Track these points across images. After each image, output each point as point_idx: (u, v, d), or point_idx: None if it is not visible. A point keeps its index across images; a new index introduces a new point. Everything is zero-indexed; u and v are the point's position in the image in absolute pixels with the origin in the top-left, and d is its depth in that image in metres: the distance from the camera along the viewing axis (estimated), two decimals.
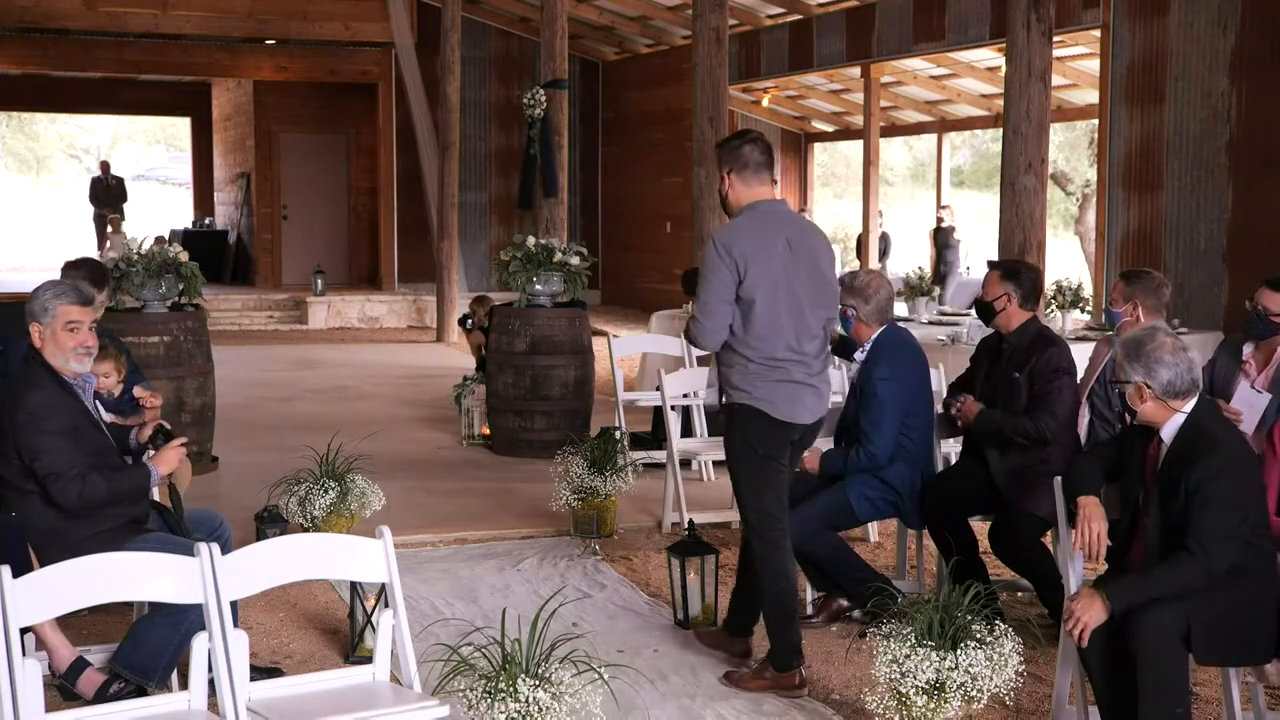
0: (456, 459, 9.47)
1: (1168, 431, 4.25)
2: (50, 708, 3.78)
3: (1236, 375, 5.75)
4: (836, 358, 6.97)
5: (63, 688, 4.63)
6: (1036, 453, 5.61)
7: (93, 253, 21.76)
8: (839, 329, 6.31)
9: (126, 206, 24.50)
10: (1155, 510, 4.26)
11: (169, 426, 5.08)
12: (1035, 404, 5.64)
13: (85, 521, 4.69)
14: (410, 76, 18.16)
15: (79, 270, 6.27)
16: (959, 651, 4.16)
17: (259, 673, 4.50)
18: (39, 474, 4.65)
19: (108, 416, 5.24)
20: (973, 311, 10.85)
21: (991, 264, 6.28)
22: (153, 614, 4.54)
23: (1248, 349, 5.79)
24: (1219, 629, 4.07)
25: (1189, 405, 4.22)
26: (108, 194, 24.18)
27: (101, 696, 4.52)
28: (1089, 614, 4.09)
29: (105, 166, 25.28)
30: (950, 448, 6.53)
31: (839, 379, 7.51)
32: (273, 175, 21.49)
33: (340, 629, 5.73)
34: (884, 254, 18.15)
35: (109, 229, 21.22)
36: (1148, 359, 4.21)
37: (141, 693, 4.48)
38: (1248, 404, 5.63)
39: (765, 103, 19.24)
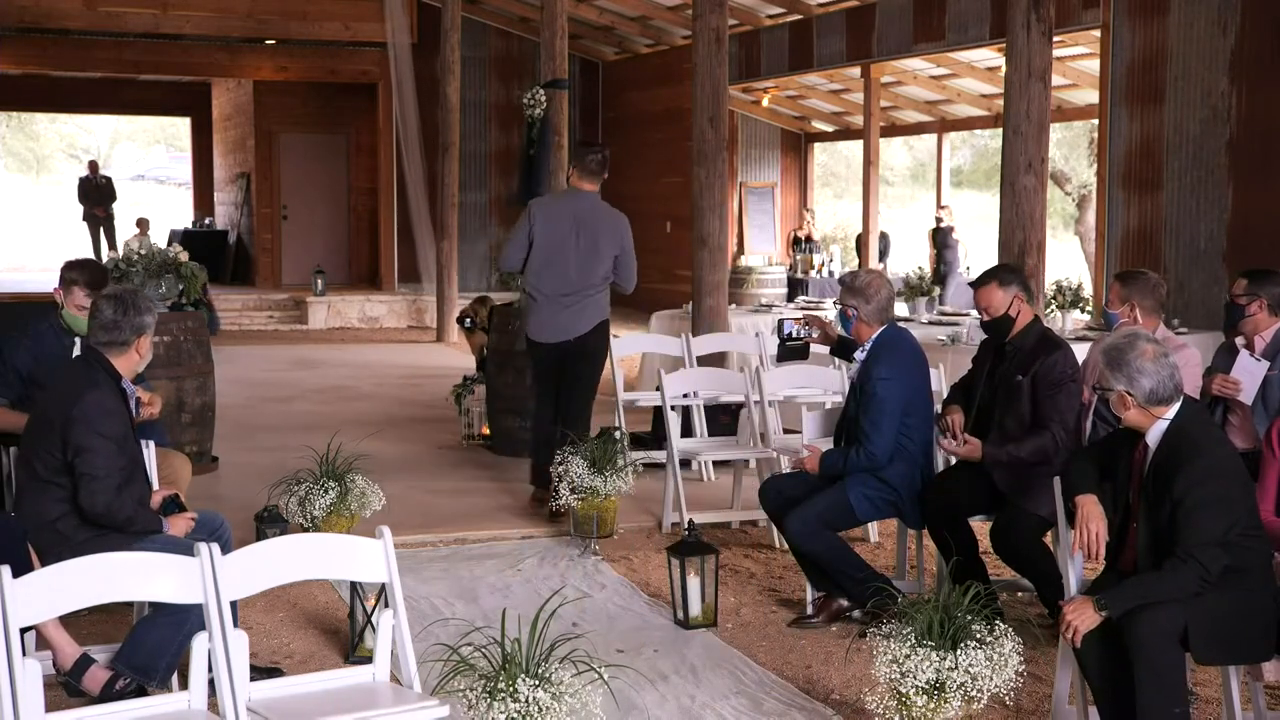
0: (456, 459, 9.47)
1: (1152, 437, 4.26)
2: (52, 707, 3.78)
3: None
4: (836, 358, 6.97)
5: (67, 685, 4.63)
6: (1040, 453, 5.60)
7: (90, 253, 21.79)
8: (839, 329, 6.31)
9: (115, 206, 24.50)
10: (1143, 517, 4.27)
11: (182, 499, 5.15)
12: (1043, 415, 5.60)
13: (95, 527, 4.72)
14: (403, 79, 18.17)
15: (81, 271, 6.25)
16: (959, 651, 4.16)
17: (259, 673, 4.50)
18: (76, 470, 4.68)
19: None
20: (973, 312, 10.85)
21: (979, 281, 6.01)
22: (154, 614, 4.55)
23: (1239, 343, 5.84)
24: (1217, 629, 4.07)
25: (1172, 411, 4.23)
26: (97, 193, 24.19)
27: (107, 693, 4.52)
28: (1081, 619, 4.11)
29: (94, 166, 25.24)
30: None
31: (839, 379, 7.51)
32: (273, 175, 21.48)
33: (340, 629, 5.73)
34: (883, 254, 18.15)
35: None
36: (1129, 368, 4.22)
37: (146, 689, 4.49)
38: (1247, 372, 5.67)
39: (765, 103, 19.24)
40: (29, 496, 4.79)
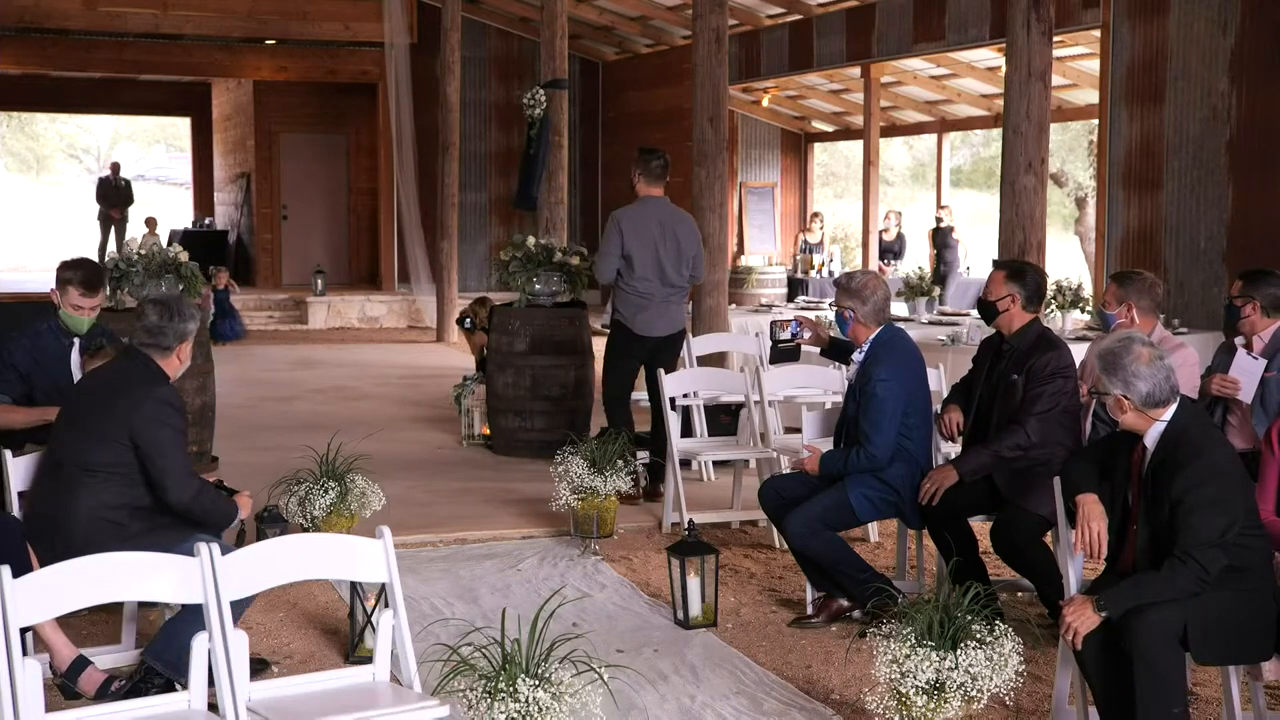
0: (456, 459, 9.47)
1: (1150, 439, 4.27)
2: (51, 707, 3.78)
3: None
4: (828, 359, 6.97)
5: (64, 686, 4.63)
6: (1037, 452, 5.60)
7: (93, 253, 21.78)
8: (836, 331, 6.31)
9: (132, 209, 24.53)
10: (1142, 518, 4.27)
11: (226, 485, 5.24)
12: (1021, 408, 5.62)
13: (149, 520, 4.74)
14: (399, 80, 18.15)
15: (75, 270, 6.24)
16: (959, 651, 4.16)
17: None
18: (154, 466, 4.70)
19: None
20: (973, 312, 10.85)
21: (997, 263, 6.24)
22: (186, 610, 4.51)
23: (1238, 342, 5.84)
24: (1216, 629, 4.07)
25: (1169, 413, 4.24)
26: (117, 195, 24.23)
27: (103, 695, 4.52)
28: (1081, 620, 4.11)
29: (115, 168, 25.23)
30: (950, 448, 6.52)
31: (838, 379, 7.51)
32: (273, 175, 21.48)
33: (340, 629, 5.73)
34: (899, 255, 18.06)
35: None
36: (1125, 372, 4.22)
37: (141, 691, 4.48)
38: (1245, 371, 5.67)
39: (765, 103, 19.23)
40: (83, 492, 4.75)
